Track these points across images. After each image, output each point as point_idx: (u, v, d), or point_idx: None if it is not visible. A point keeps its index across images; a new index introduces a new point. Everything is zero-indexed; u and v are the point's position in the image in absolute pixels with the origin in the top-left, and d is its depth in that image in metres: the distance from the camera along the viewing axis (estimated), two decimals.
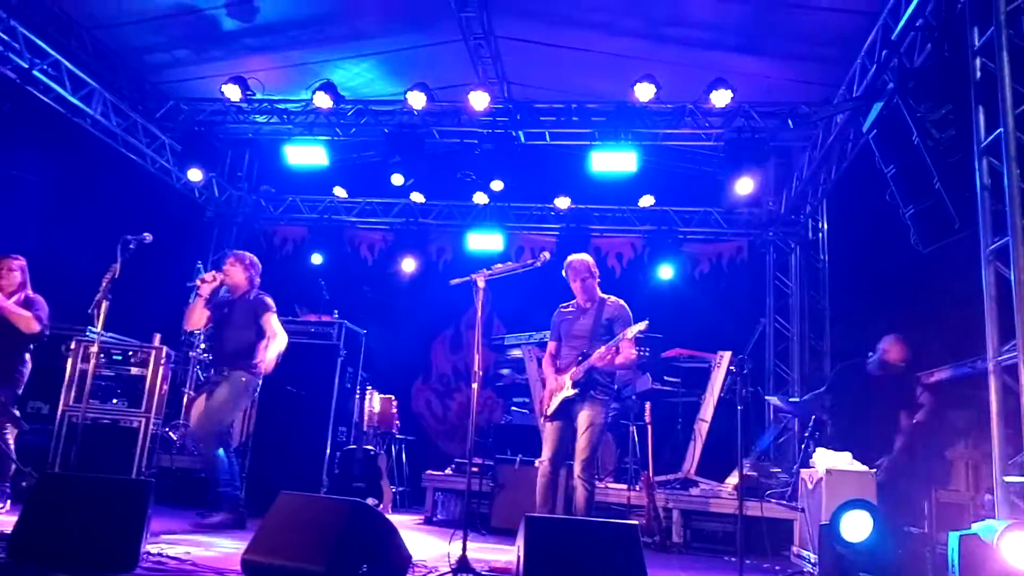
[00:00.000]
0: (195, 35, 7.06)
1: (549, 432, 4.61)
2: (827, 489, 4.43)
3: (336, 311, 7.05)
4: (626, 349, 4.42)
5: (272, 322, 5.25)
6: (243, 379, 5.13)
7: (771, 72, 6.92)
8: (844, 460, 4.65)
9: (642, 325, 4.35)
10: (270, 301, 5.33)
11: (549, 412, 4.62)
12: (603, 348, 4.43)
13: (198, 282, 5.29)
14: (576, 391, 4.48)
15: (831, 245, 8.77)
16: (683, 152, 8.17)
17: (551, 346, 4.87)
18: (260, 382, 5.31)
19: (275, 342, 5.20)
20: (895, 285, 7.29)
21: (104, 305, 4.76)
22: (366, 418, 7.45)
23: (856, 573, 3.55)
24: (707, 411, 7.20)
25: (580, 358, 4.52)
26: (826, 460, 4.70)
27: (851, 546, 3.69)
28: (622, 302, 4.73)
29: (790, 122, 7.28)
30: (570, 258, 4.80)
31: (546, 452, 4.60)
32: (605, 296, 4.77)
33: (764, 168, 7.52)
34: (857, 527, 3.71)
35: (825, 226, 8.82)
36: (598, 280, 4.77)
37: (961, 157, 4.60)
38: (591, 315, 4.67)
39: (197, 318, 5.30)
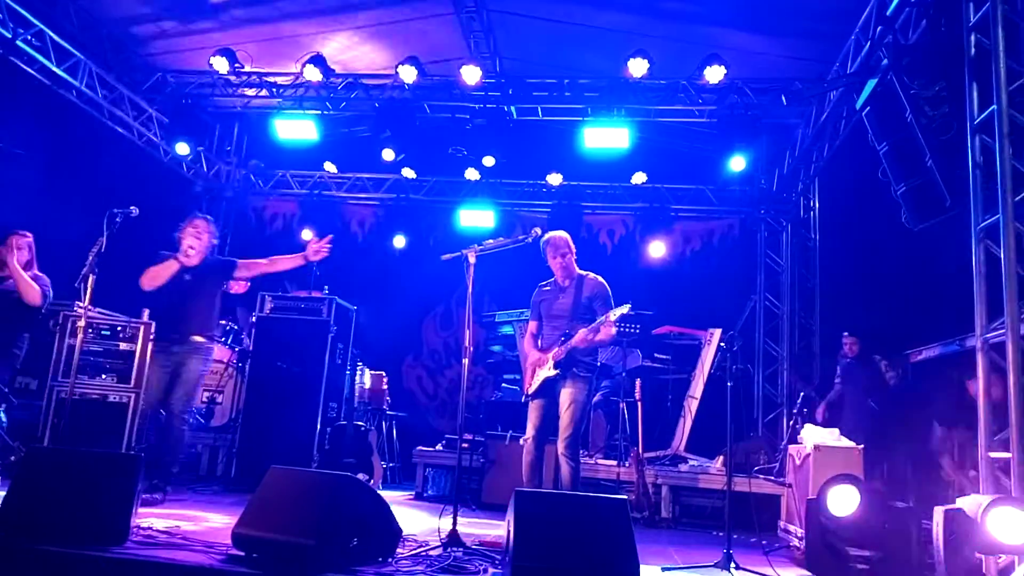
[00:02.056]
0: (182, 6, 6.94)
1: (532, 410, 4.62)
2: (814, 465, 4.47)
3: (326, 287, 7.02)
4: (606, 329, 4.42)
5: (248, 262, 5.24)
6: (210, 349, 5.08)
7: (765, 48, 6.88)
8: (831, 436, 4.69)
9: (624, 308, 4.33)
10: (234, 261, 5.27)
11: (531, 391, 4.62)
12: (584, 330, 4.42)
13: (188, 251, 5.01)
14: (558, 371, 4.49)
15: (822, 223, 8.78)
16: (676, 128, 8.11)
17: (532, 325, 4.86)
18: None
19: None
20: (885, 263, 7.33)
21: (91, 279, 4.72)
22: (356, 394, 7.46)
23: (842, 547, 3.59)
24: (697, 388, 7.24)
25: (562, 338, 4.52)
26: (814, 436, 4.74)
27: (837, 520, 3.73)
28: (600, 279, 4.71)
29: (784, 99, 7.24)
30: (548, 235, 4.76)
31: (529, 430, 4.61)
32: (583, 272, 4.74)
33: (757, 145, 7.50)
34: (844, 502, 3.75)
35: (817, 204, 8.82)
36: (575, 256, 4.74)
37: (954, 135, 4.60)
38: (570, 293, 4.65)
39: (159, 281, 5.01)
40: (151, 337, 5.98)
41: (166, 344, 5.02)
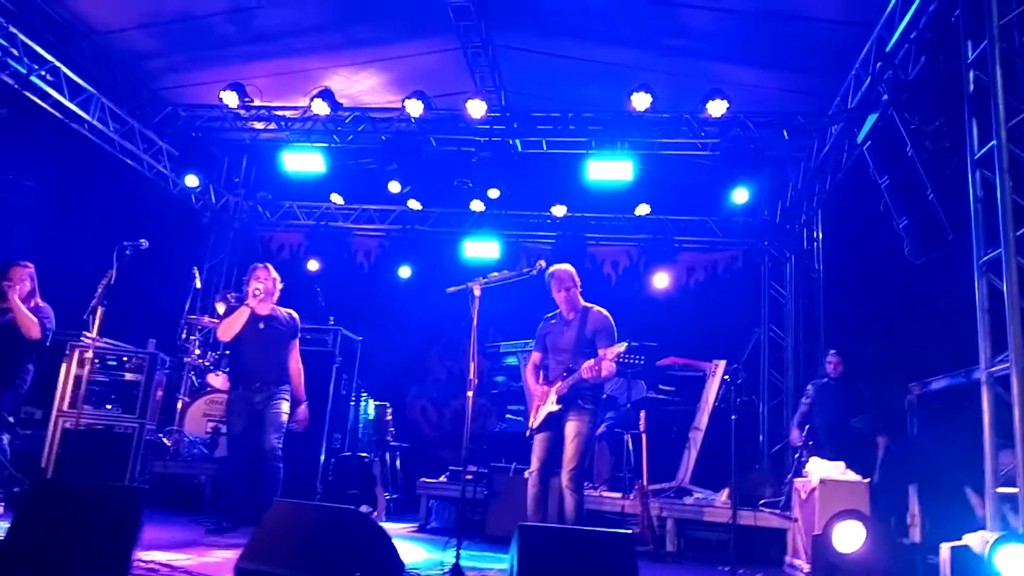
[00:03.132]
0: (193, 41, 7.08)
1: (537, 444, 4.60)
2: (820, 499, 4.44)
3: (332, 318, 7.05)
4: (606, 365, 4.42)
5: (297, 350, 5.26)
6: (289, 391, 5.14)
7: (766, 82, 6.97)
8: (837, 470, 4.66)
9: (621, 347, 4.33)
10: (299, 322, 5.33)
11: (535, 425, 4.61)
12: (587, 366, 4.40)
13: (254, 293, 5.07)
14: (560, 406, 4.48)
15: (826, 254, 8.79)
16: (679, 161, 8.18)
17: (535, 356, 4.87)
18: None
19: (301, 378, 5.26)
20: (889, 295, 7.33)
21: (100, 311, 4.77)
22: (361, 425, 7.45)
23: None
24: (702, 420, 7.20)
25: (565, 373, 4.52)
26: (820, 470, 4.71)
27: (843, 556, 3.70)
28: (605, 312, 4.71)
29: (785, 132, 7.30)
30: (552, 268, 4.78)
31: (534, 464, 4.59)
32: (588, 305, 4.75)
33: (759, 177, 7.56)
34: (850, 538, 3.72)
35: (820, 235, 8.85)
36: (580, 289, 4.76)
37: (954, 169, 4.64)
38: (575, 327, 4.66)
39: (234, 330, 5.05)
40: (156, 368, 6.00)
41: (246, 393, 5.06)
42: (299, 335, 5.30)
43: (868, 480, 4.65)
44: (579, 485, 4.44)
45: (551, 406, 4.52)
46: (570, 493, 4.41)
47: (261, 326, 5.10)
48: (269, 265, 5.32)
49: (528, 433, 4.70)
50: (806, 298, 8.83)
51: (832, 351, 6.75)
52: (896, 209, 5.36)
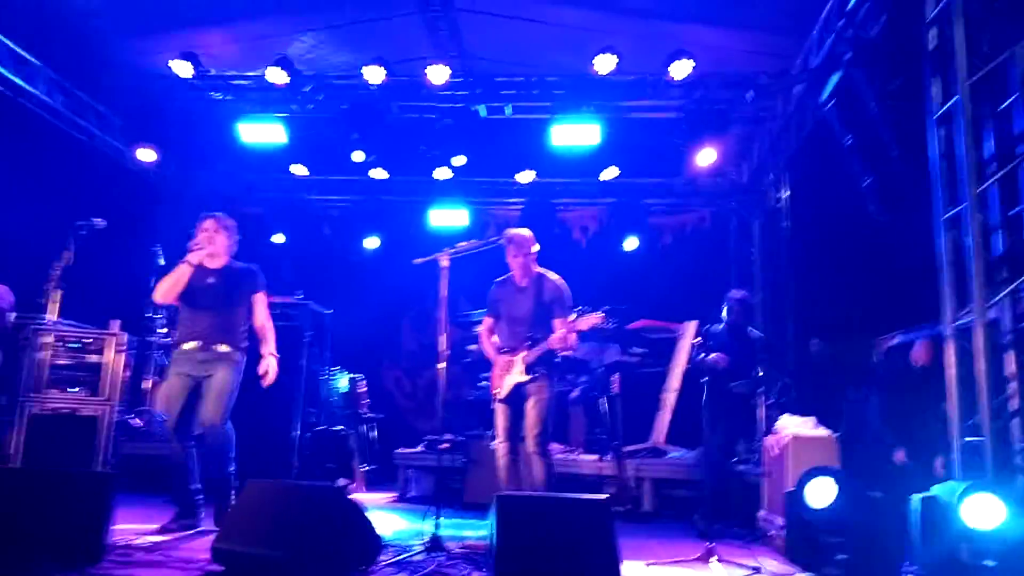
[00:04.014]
0: (144, 8, 6.80)
1: (500, 413, 4.60)
2: (792, 455, 4.53)
3: (300, 292, 6.95)
4: (571, 337, 4.44)
5: (264, 307, 4.75)
6: (238, 359, 4.64)
7: (730, 43, 6.92)
8: (808, 425, 4.76)
9: (598, 317, 4.33)
10: (262, 277, 4.81)
11: (502, 395, 4.58)
12: (560, 334, 4.40)
13: (193, 248, 4.60)
14: (530, 376, 4.47)
15: (793, 214, 8.86)
16: (645, 123, 8.13)
17: (488, 322, 4.81)
18: None
19: (271, 333, 4.76)
20: (854, 252, 7.43)
21: (57, 293, 4.64)
22: (334, 399, 7.41)
23: (821, 537, 3.65)
24: (674, 381, 7.29)
25: (529, 343, 4.49)
26: (791, 426, 4.80)
27: (815, 511, 3.79)
28: (560, 281, 4.69)
29: (749, 93, 7.30)
30: (512, 232, 4.74)
31: (500, 434, 4.61)
32: (542, 271, 4.71)
33: (725, 138, 7.56)
34: (822, 493, 3.81)
35: (787, 195, 8.92)
36: (535, 256, 4.71)
37: (916, 127, 4.68)
38: (530, 295, 4.62)
39: (175, 289, 4.58)
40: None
41: (189, 351, 4.59)
42: (261, 290, 4.79)
43: (837, 435, 4.76)
44: (545, 449, 4.46)
45: (519, 376, 4.49)
46: (538, 458, 4.42)
47: (211, 280, 4.63)
48: (219, 214, 4.83)
49: (493, 404, 4.68)
50: (774, 257, 8.92)
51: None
52: (860, 168, 5.42)
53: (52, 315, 4.89)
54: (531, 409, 4.45)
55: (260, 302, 4.77)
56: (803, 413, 5.32)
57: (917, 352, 5.54)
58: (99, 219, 4.68)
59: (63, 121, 7.70)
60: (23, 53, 6.85)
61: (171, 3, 6.64)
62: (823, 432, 4.73)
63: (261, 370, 4.68)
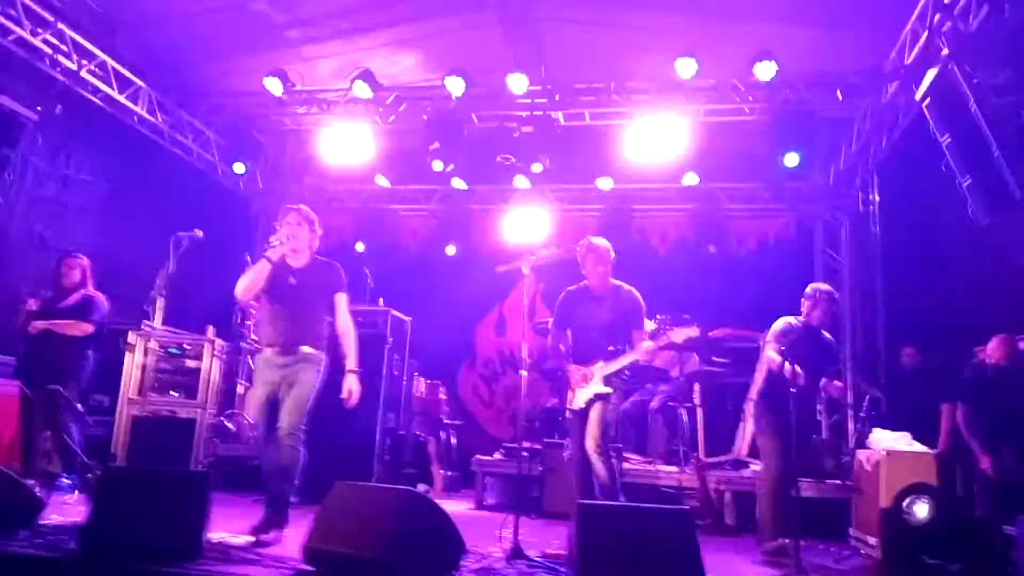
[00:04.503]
0: (236, 29, 7.12)
1: (575, 427, 4.51)
2: (886, 471, 4.34)
3: (382, 299, 7.11)
4: (661, 353, 4.37)
5: (346, 308, 4.45)
6: (322, 359, 4.37)
7: (817, 42, 6.71)
8: (903, 441, 4.55)
9: (693, 332, 4.23)
10: (343, 275, 4.50)
11: (579, 407, 4.47)
12: (648, 348, 4.33)
13: (275, 243, 4.32)
14: (610, 389, 4.38)
15: (883, 218, 8.52)
16: (727, 128, 7.98)
17: (557, 332, 4.70)
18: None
19: (354, 344, 4.43)
20: (951, 258, 7.08)
21: (160, 301, 4.90)
22: (414, 404, 7.54)
23: (920, 557, 3.48)
24: (757, 391, 7.08)
25: (607, 354, 4.41)
26: (885, 441, 4.60)
27: (915, 531, 3.62)
28: (636, 292, 4.59)
29: (838, 93, 7.06)
30: (593, 241, 4.64)
31: (575, 446, 4.52)
32: (618, 283, 4.62)
33: (811, 140, 7.33)
34: (920, 511, 3.63)
35: (877, 198, 8.57)
36: (612, 267, 4.63)
37: (1022, 124, 4.43)
38: (606, 305, 4.54)
39: (255, 286, 4.33)
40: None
41: (270, 356, 4.34)
42: (344, 289, 4.49)
43: (935, 452, 4.53)
44: (607, 451, 4.36)
45: (598, 387, 4.41)
46: (599, 458, 4.31)
47: (292, 280, 4.34)
48: (302, 207, 4.53)
49: (569, 415, 4.59)
50: (862, 263, 8.58)
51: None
52: (959, 168, 5.16)
53: (157, 322, 5.16)
54: (595, 413, 4.38)
55: (342, 302, 4.47)
56: (896, 428, 5.10)
57: (991, 349, 5.20)
58: (198, 230, 4.90)
59: (163, 137, 8.15)
60: (126, 73, 7.28)
61: (260, 22, 6.91)
62: (919, 448, 4.51)
63: (344, 392, 4.37)
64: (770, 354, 4.65)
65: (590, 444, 4.35)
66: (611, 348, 4.44)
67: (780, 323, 4.77)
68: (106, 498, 3.58)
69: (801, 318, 4.76)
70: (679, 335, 4.25)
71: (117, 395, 6.08)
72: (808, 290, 4.87)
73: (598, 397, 4.41)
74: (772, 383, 4.64)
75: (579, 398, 4.49)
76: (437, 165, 7.90)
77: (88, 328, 5.42)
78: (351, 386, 4.37)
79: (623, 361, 4.39)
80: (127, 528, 3.42)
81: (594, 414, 4.37)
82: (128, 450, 5.83)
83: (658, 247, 9.33)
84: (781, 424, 4.36)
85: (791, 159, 7.11)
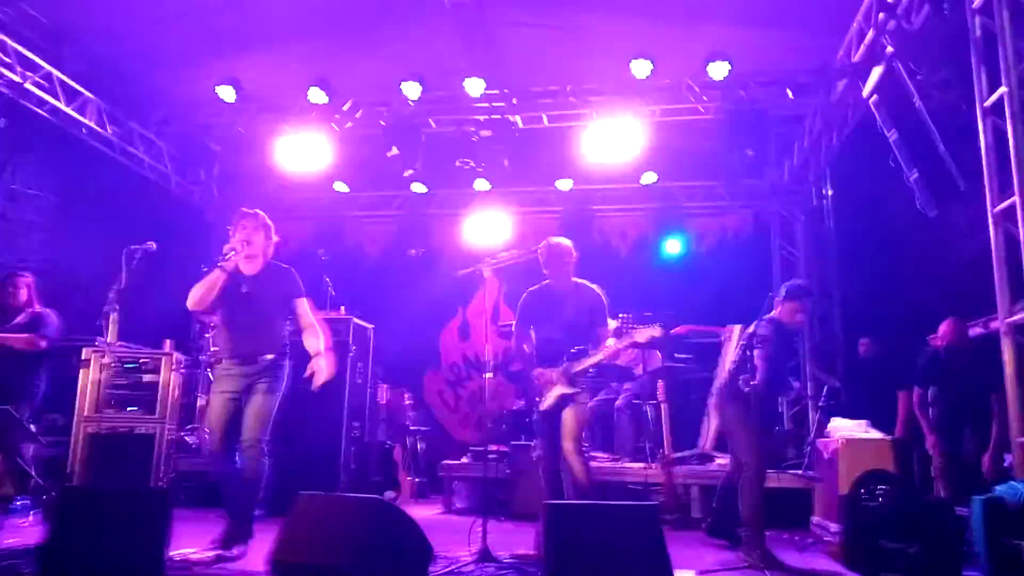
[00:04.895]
0: (187, 38, 7.00)
1: (543, 426, 4.49)
2: (844, 458, 4.43)
3: (343, 307, 7.05)
4: (620, 350, 4.39)
5: (308, 309, 4.34)
6: (279, 369, 4.29)
7: (767, 42, 6.84)
8: (861, 429, 4.65)
9: (655, 331, 4.24)
10: (299, 280, 4.41)
11: (547, 407, 4.44)
12: (609, 347, 4.33)
13: (229, 253, 4.21)
14: (575, 389, 4.37)
15: (836, 212, 8.72)
16: (683, 127, 8.09)
17: (521, 332, 4.66)
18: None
19: (322, 333, 4.31)
20: (902, 249, 7.27)
21: (113, 316, 4.79)
22: (379, 411, 7.48)
23: (879, 542, 3.56)
24: (718, 386, 7.18)
25: (572, 354, 4.39)
26: (843, 429, 4.70)
27: (872, 515, 3.70)
28: (598, 290, 4.57)
29: (789, 91, 7.22)
30: (554, 241, 4.61)
31: (542, 447, 4.51)
32: (580, 281, 4.59)
33: (765, 137, 7.46)
34: (877, 496, 3.72)
35: (830, 193, 8.76)
36: (574, 265, 4.61)
37: (964, 119, 4.57)
38: (570, 305, 4.51)
39: (208, 296, 4.21)
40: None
41: (229, 367, 4.28)
42: (301, 294, 4.38)
43: (892, 438, 4.64)
44: (582, 449, 4.38)
45: (564, 388, 4.38)
46: (576, 458, 4.31)
47: (244, 289, 4.25)
48: (257, 211, 4.40)
49: (536, 416, 4.56)
50: (818, 257, 8.77)
51: None
52: (906, 162, 5.31)
53: (111, 337, 5.04)
54: (570, 413, 4.35)
55: (303, 306, 4.36)
56: (855, 416, 5.21)
57: (942, 332, 5.33)
58: (151, 242, 4.80)
59: (113, 149, 7.97)
60: (73, 84, 7.11)
61: (212, 30, 6.81)
62: (876, 435, 4.62)
63: (309, 371, 4.24)
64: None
65: (569, 445, 4.32)
66: (574, 348, 4.43)
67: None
68: (64, 519, 3.48)
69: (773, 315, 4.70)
70: (642, 335, 4.25)
71: (71, 414, 5.92)
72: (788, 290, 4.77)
73: (566, 397, 4.40)
74: (734, 379, 4.69)
75: (547, 399, 4.46)
76: (397, 171, 7.86)
77: (41, 343, 5.28)
78: (318, 365, 4.23)
79: (588, 362, 4.37)
80: (86, 549, 3.34)
81: (568, 415, 4.35)
82: (85, 469, 5.68)
83: (619, 246, 9.41)
84: (747, 415, 4.43)
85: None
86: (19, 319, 5.37)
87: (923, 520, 3.48)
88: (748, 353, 4.54)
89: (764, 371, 4.32)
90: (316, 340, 4.30)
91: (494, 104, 7.73)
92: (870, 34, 5.84)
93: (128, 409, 5.97)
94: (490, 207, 9.37)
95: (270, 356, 4.23)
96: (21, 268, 5.47)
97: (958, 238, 5.59)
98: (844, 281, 8.61)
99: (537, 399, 4.52)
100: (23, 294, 5.38)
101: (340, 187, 9.72)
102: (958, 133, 4.78)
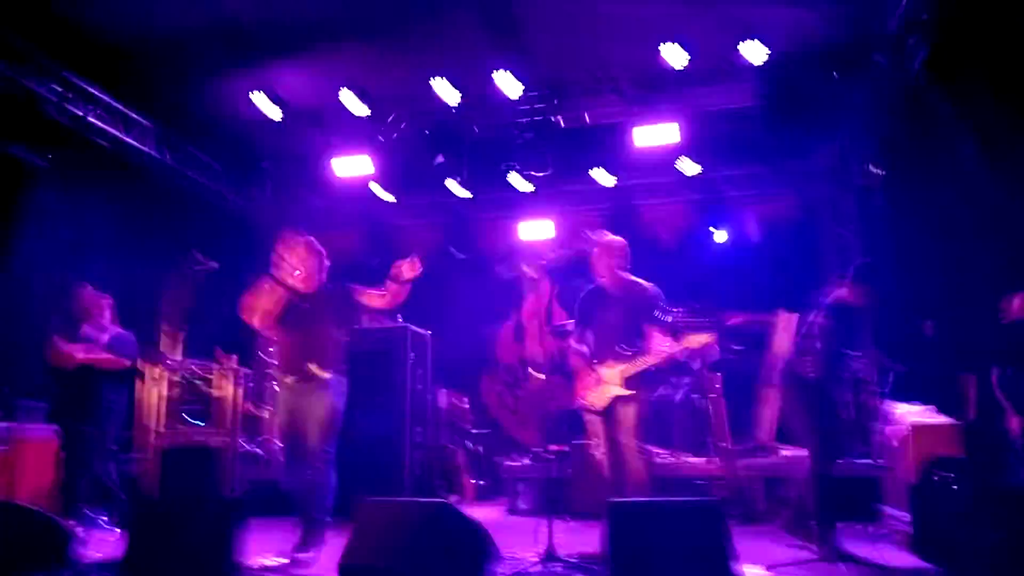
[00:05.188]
0: (233, 56, 7.14)
1: (597, 423, 4.43)
2: (913, 446, 4.33)
3: (399, 315, 7.15)
4: (675, 351, 4.32)
5: (366, 296, 4.53)
6: (340, 382, 4.47)
7: (805, 18, 6.64)
8: (928, 414, 4.53)
9: (708, 339, 4.20)
10: (350, 285, 4.60)
11: (600, 407, 4.39)
12: (663, 351, 4.25)
13: (279, 263, 4.46)
14: (630, 392, 4.30)
15: (888, 191, 8.45)
16: (724, 114, 7.96)
17: (579, 333, 4.59)
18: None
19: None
20: (963, 224, 7.00)
21: (179, 334, 4.99)
22: (440, 416, 7.58)
23: (953, 531, 3.47)
24: (774, 375, 7.06)
25: (626, 354, 4.33)
26: (911, 416, 4.58)
27: (945, 503, 3.61)
28: (648, 287, 4.48)
29: (831, 69, 7.03)
30: (603, 238, 4.57)
31: (599, 443, 4.45)
32: (633, 279, 4.52)
33: (809, 118, 7.30)
34: (949, 483, 3.63)
35: (880, 172, 8.51)
36: (628, 263, 4.56)
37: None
38: (621, 304, 4.45)
39: (259, 307, 4.43)
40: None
41: (289, 383, 4.47)
42: (351, 294, 4.54)
43: (962, 423, 4.51)
44: (643, 446, 4.35)
45: (617, 389, 4.33)
46: (635, 453, 4.27)
47: (305, 306, 4.46)
48: (299, 231, 4.67)
49: (589, 415, 4.51)
50: (870, 237, 8.53)
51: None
52: (961, 134, 5.13)
53: (177, 354, 5.25)
54: (628, 410, 4.30)
55: (361, 294, 4.55)
56: (922, 401, 5.08)
57: (1017, 306, 5.11)
58: (213, 262, 4.97)
59: (170, 173, 8.24)
60: (132, 115, 7.39)
61: (247, 40, 6.89)
62: (944, 420, 4.49)
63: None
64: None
65: (628, 441, 4.28)
66: (623, 349, 4.35)
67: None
68: (141, 532, 3.64)
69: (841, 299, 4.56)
70: (695, 340, 4.20)
71: (142, 430, 6.15)
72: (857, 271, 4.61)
73: (621, 398, 4.36)
74: (796, 367, 4.58)
75: (600, 399, 4.41)
76: (449, 183, 7.89)
77: (126, 363, 5.53)
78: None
79: (642, 365, 4.29)
80: (164, 560, 3.49)
81: (626, 411, 4.31)
82: (160, 482, 5.91)
83: (667, 239, 9.33)
84: (811, 405, 4.35)
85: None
86: (104, 339, 5.57)
87: (1000, 508, 3.37)
88: (810, 341, 4.42)
89: (828, 359, 4.23)
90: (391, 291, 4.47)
91: (535, 106, 7.74)
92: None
93: (198, 423, 6.21)
94: (535, 208, 9.37)
95: (329, 372, 4.40)
96: (98, 291, 5.70)
97: (1019, 209, 5.37)
98: (901, 262, 8.36)
99: (589, 399, 4.48)
100: (108, 315, 5.63)
101: (386, 196, 9.85)
102: (1021, 98, 4.60)
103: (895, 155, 8.18)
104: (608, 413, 4.41)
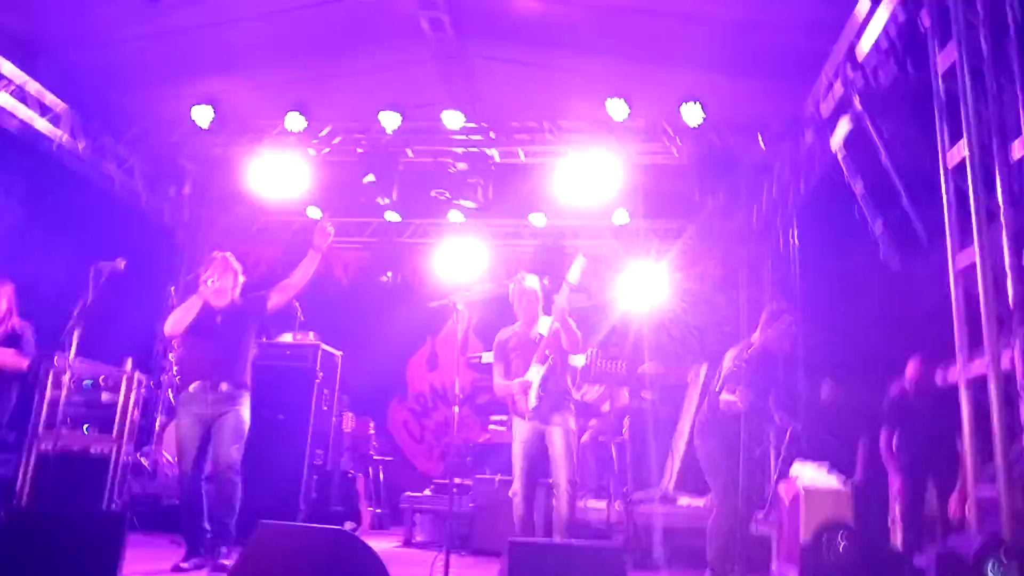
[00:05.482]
0: (167, 56, 6.97)
1: (520, 459, 4.52)
2: (804, 507, 4.47)
3: (312, 333, 6.98)
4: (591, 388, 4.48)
5: (277, 292, 4.82)
6: (246, 396, 4.63)
7: (740, 90, 7.02)
8: (822, 472, 4.70)
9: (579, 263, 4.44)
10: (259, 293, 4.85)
11: (532, 405, 4.45)
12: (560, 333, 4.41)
13: (207, 283, 4.65)
14: (542, 394, 4.42)
15: (802, 259, 8.87)
16: (656, 168, 8.24)
17: (499, 369, 4.74)
18: None
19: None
20: (867, 297, 7.41)
21: (76, 333, 4.68)
22: (342, 440, 7.39)
23: None
24: (684, 426, 7.24)
25: (546, 394, 4.46)
26: (804, 475, 4.75)
27: (831, 564, 3.74)
28: (571, 324, 4.61)
29: (760, 138, 7.39)
30: (524, 285, 4.74)
31: (520, 479, 4.51)
32: (547, 318, 4.66)
33: (736, 182, 7.63)
34: (836, 546, 3.76)
35: (796, 241, 8.93)
36: (542, 304, 4.74)
37: (928, 175, 4.72)
38: (539, 343, 4.58)
39: (184, 321, 4.61)
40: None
41: (198, 392, 4.57)
42: (265, 301, 4.81)
43: (851, 486, 4.70)
44: (575, 485, 4.45)
45: (540, 425, 4.46)
46: (571, 491, 4.38)
47: (219, 319, 4.63)
48: (228, 255, 4.85)
49: (527, 416, 4.53)
50: (784, 302, 8.89)
51: None
52: (871, 214, 5.45)
53: (71, 353, 4.92)
54: (560, 446, 4.38)
55: (275, 295, 4.83)
56: (816, 459, 5.27)
57: (911, 371, 5.43)
58: (120, 260, 4.73)
59: (83, 164, 7.85)
60: (48, 96, 7.03)
61: (192, 51, 6.79)
62: (835, 483, 4.68)
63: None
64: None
65: (566, 476, 4.36)
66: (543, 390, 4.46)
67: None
68: (10, 543, 3.37)
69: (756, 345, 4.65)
70: (572, 275, 4.47)
71: (22, 431, 5.74)
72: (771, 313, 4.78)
73: (558, 425, 4.42)
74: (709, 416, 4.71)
75: (530, 399, 4.48)
76: (372, 198, 7.86)
77: (23, 363, 5.13)
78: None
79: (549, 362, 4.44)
80: (35, 573, 3.23)
81: (559, 448, 4.38)
82: (36, 489, 5.50)
83: (592, 286, 9.46)
84: (719, 453, 4.46)
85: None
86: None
87: (881, 572, 3.52)
88: (730, 383, 4.52)
89: (746, 408, 4.35)
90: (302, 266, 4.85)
91: (472, 137, 7.80)
92: (839, 88, 6.02)
93: (83, 428, 5.84)
94: (464, 238, 9.38)
95: (238, 383, 4.59)
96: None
97: (920, 291, 5.72)
98: (808, 327, 8.74)
99: (520, 411, 4.53)
100: (3, 305, 5.20)
101: (314, 212, 9.67)
102: (922, 188, 4.92)
103: (812, 226, 8.61)
104: (531, 445, 4.49)
